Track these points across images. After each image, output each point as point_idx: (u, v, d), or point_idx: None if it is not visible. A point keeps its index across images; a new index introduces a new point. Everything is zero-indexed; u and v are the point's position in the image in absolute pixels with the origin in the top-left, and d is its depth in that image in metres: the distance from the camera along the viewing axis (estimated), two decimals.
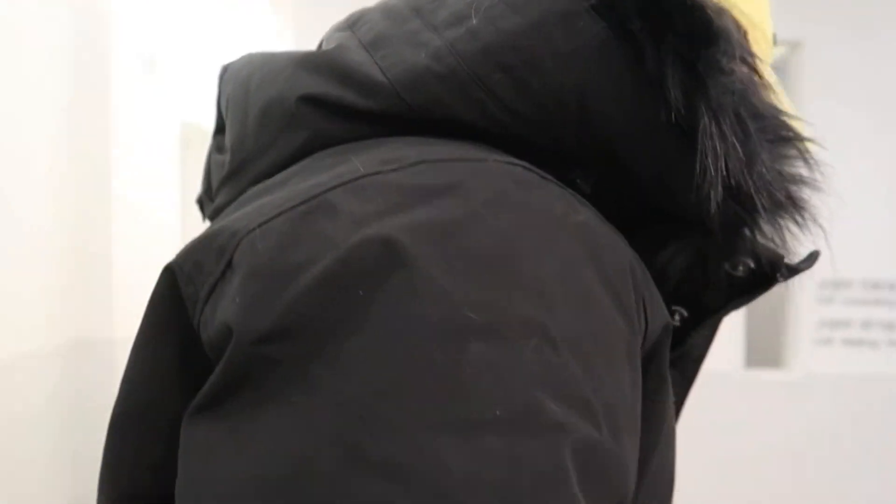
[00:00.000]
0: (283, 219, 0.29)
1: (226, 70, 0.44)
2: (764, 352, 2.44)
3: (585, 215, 0.31)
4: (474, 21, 0.34)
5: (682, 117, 0.32)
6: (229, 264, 0.29)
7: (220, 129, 0.44)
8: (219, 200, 0.40)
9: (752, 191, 0.33)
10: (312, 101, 0.35)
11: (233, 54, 0.46)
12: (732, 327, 2.20)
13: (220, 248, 0.30)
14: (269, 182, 0.35)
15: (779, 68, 2.09)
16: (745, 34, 0.37)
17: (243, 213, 0.32)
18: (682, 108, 0.32)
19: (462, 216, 0.28)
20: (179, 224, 2.28)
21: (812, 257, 0.44)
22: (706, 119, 0.32)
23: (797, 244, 0.39)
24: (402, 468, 0.24)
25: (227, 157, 0.40)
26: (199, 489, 0.27)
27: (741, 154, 0.32)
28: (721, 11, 0.33)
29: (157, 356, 0.33)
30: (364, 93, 0.35)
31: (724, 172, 0.32)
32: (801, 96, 2.21)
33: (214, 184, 0.43)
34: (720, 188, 0.32)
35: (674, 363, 0.46)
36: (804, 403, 2.25)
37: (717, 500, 2.24)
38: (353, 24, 0.39)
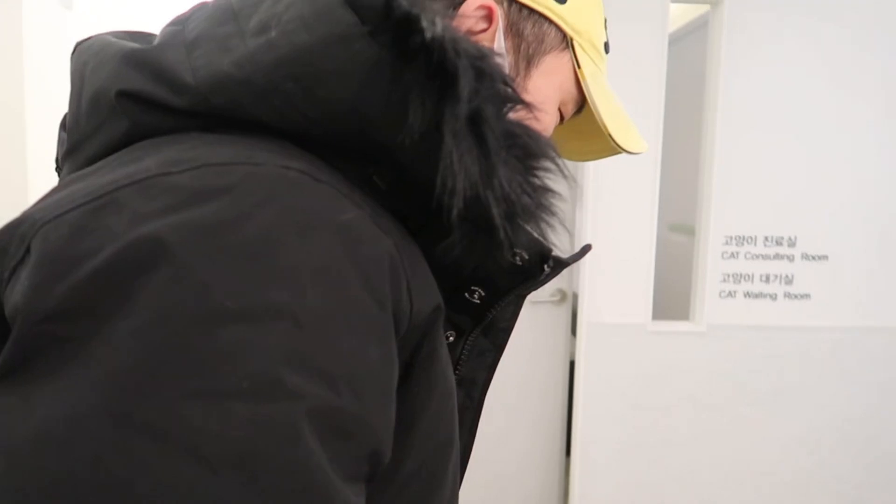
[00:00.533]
0: (76, 212, 0.33)
1: (74, 50, 0.47)
2: (672, 305, 2.57)
3: (353, 214, 0.36)
4: (273, 34, 0.39)
5: (424, 138, 0.37)
6: (27, 250, 0.33)
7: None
8: (62, 174, 0.44)
9: (491, 200, 0.38)
10: (130, 96, 0.40)
11: None
12: (641, 282, 2.30)
13: (22, 234, 0.34)
14: (84, 171, 0.39)
15: (700, 27, 2.13)
16: (509, 68, 0.44)
17: (46, 203, 0.36)
18: (419, 131, 0.37)
19: (230, 216, 0.32)
20: None
21: (583, 251, 0.51)
22: (446, 140, 0.37)
23: (561, 239, 0.44)
24: (160, 429, 0.29)
25: (67, 136, 0.44)
26: None
27: (476, 172, 0.37)
28: (479, 54, 0.38)
29: None
30: (174, 91, 0.39)
31: (463, 185, 0.37)
32: (719, 55, 2.28)
33: (59, 157, 0.46)
34: (460, 199, 0.37)
35: (485, 332, 0.52)
36: (708, 353, 2.39)
37: (630, 444, 2.38)
38: (185, 20, 0.44)
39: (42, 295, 0.31)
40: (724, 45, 2.27)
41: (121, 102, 0.40)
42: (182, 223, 0.31)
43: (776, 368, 2.41)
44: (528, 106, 0.41)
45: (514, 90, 0.40)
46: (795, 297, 2.38)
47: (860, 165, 2.36)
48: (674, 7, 2.41)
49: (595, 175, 2.26)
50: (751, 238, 2.35)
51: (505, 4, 0.48)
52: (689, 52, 2.68)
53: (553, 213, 0.42)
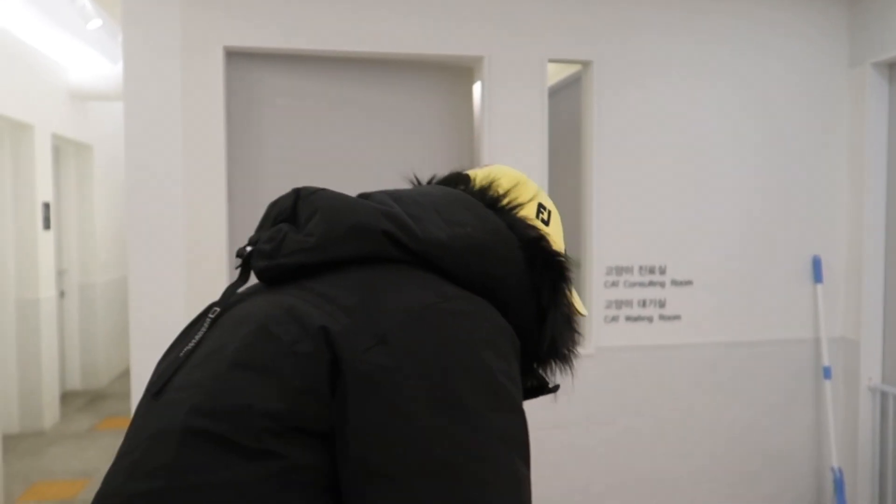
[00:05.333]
0: (401, 320, 0.62)
1: (313, 192, 0.74)
2: None
3: (506, 322, 0.68)
4: (468, 229, 0.71)
5: (543, 309, 0.74)
6: (382, 341, 0.60)
7: (285, 220, 0.73)
8: (288, 260, 0.69)
9: (562, 349, 0.76)
10: (387, 235, 0.68)
11: None
12: None
13: (375, 334, 0.60)
14: (373, 281, 0.66)
15: (574, 81, 2.43)
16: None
17: (385, 313, 0.62)
18: (545, 307, 0.75)
19: (484, 326, 0.65)
20: None
21: (558, 387, 0.83)
22: (552, 313, 0.74)
23: (561, 377, 0.80)
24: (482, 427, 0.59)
25: (311, 240, 0.69)
26: None
27: (564, 331, 0.76)
28: (571, 263, 0.77)
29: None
30: (411, 240, 0.69)
31: (554, 336, 0.75)
32: (592, 105, 2.57)
33: (286, 250, 0.69)
34: (548, 343, 0.75)
35: None
36: (597, 371, 2.64)
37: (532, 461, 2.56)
38: (397, 200, 0.74)
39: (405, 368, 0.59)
40: (595, 96, 2.57)
41: (381, 236, 0.68)
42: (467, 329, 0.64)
43: (655, 381, 2.69)
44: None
45: (570, 284, 0.78)
46: (668, 318, 2.68)
47: (716, 202, 2.72)
48: (551, 65, 2.70)
49: None
50: (628, 268, 2.63)
51: None
52: (566, 102, 2.97)
53: (573, 361, 0.78)
